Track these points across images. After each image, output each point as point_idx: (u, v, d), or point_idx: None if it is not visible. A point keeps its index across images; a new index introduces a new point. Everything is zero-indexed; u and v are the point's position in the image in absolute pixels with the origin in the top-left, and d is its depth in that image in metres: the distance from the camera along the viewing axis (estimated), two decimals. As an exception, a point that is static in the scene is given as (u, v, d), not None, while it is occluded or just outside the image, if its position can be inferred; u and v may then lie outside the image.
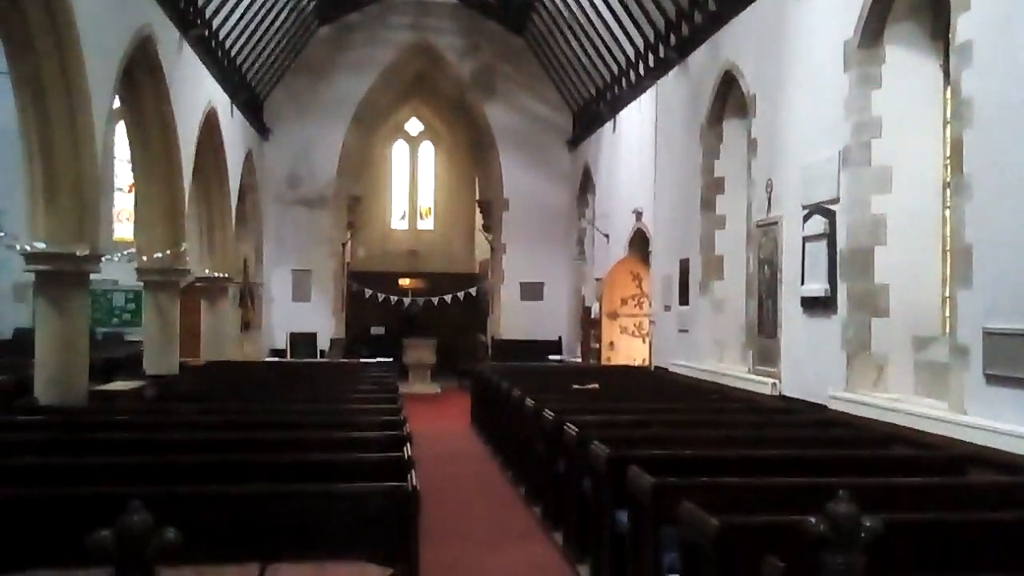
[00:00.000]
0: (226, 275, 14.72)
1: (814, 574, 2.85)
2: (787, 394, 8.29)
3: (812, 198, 7.81)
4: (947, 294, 6.90)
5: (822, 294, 7.53)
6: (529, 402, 8.07)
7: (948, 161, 7.01)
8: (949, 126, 7.01)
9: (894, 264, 7.12)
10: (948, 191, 6.96)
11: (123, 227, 18.44)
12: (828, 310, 7.51)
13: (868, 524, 2.13)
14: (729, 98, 10.35)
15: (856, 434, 6.45)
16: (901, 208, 7.12)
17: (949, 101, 7.05)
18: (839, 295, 7.36)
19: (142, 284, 11.22)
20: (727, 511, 3.69)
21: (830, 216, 7.50)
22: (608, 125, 15.64)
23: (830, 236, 7.47)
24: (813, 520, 2.16)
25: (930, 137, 7.17)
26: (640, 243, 13.81)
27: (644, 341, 13.77)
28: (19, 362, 9.58)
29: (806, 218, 7.87)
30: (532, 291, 19.41)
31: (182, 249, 11.08)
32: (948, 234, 6.98)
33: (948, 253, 6.88)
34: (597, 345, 14.86)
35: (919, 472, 5.19)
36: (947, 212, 7.03)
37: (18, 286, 15.94)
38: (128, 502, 1.98)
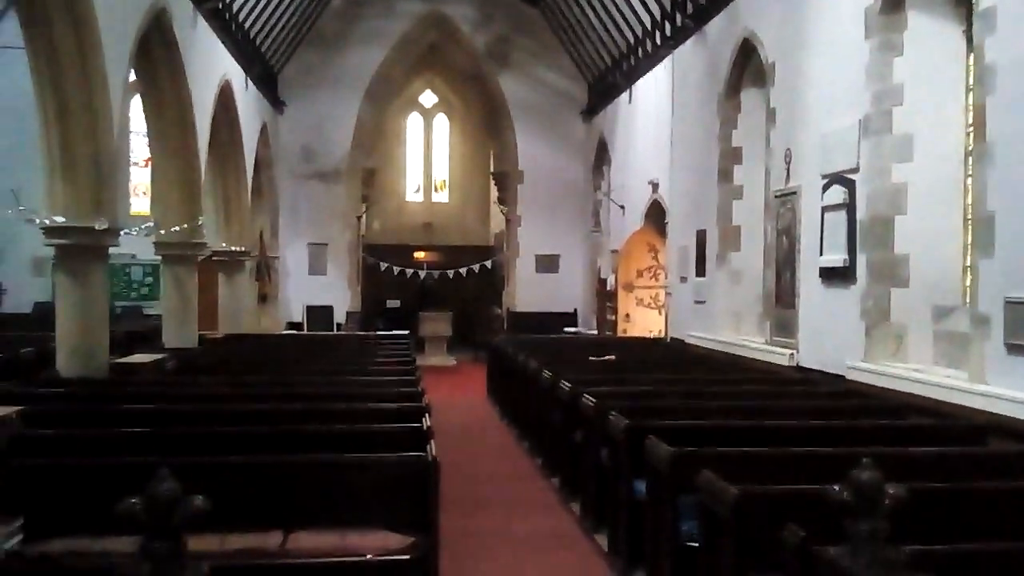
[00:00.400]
0: (243, 249, 14.78)
1: (835, 542, 2.86)
2: (805, 365, 8.27)
3: (831, 167, 7.74)
4: (968, 263, 6.83)
5: (841, 264, 7.48)
6: (546, 374, 8.09)
7: (970, 129, 6.91)
8: (972, 93, 6.90)
9: (914, 233, 7.05)
10: (970, 159, 6.86)
11: (141, 201, 18.51)
12: (847, 280, 7.47)
13: (891, 492, 2.13)
14: (747, 67, 10.23)
15: (874, 404, 6.43)
16: (922, 177, 7.05)
17: (972, 68, 6.93)
18: (858, 265, 7.31)
19: (160, 258, 11.28)
20: (745, 480, 3.70)
21: (850, 185, 7.43)
22: (624, 95, 15.51)
23: (850, 205, 7.41)
24: (836, 487, 2.15)
25: (952, 105, 7.07)
26: (656, 214, 13.74)
27: (660, 313, 13.75)
28: (40, 335, 9.68)
29: (825, 188, 7.80)
30: (547, 263, 19.39)
31: (199, 223, 11.12)
32: (970, 203, 6.89)
33: (969, 222, 6.81)
34: (613, 317, 14.85)
35: (938, 442, 5.18)
36: (969, 180, 6.94)
37: (37, 260, 16.05)
38: (156, 470, 2.00)
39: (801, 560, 2.89)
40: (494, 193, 21.33)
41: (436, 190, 23.38)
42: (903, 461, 4.34)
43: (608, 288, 15.78)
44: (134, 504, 1.94)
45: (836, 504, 2.14)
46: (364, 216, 20.39)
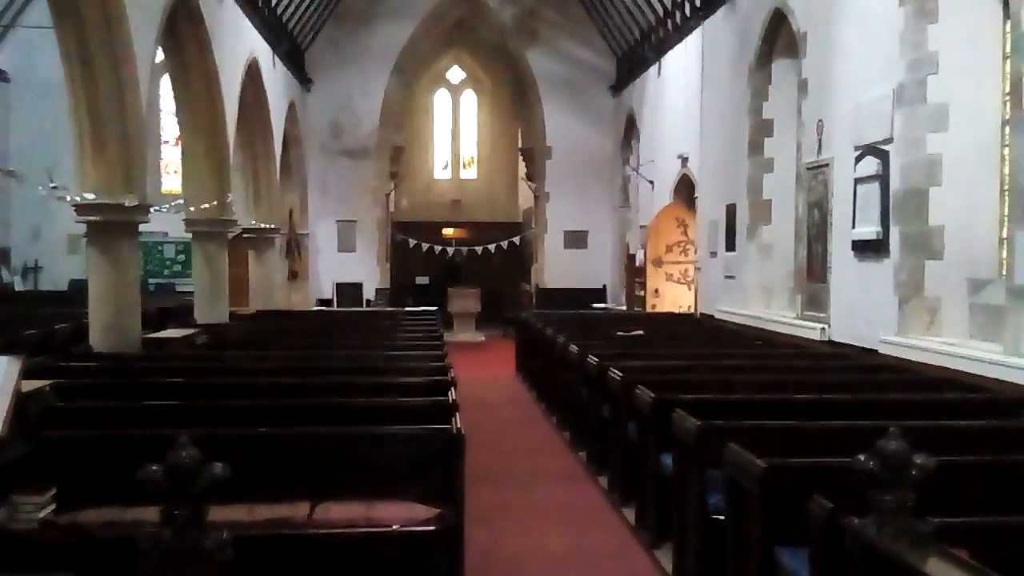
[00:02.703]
0: (272, 226, 14.87)
1: (863, 514, 2.82)
2: (836, 339, 8.16)
3: (865, 138, 7.59)
4: (1004, 235, 6.69)
5: (874, 237, 7.35)
6: (573, 348, 8.06)
7: (1007, 97, 6.74)
8: (1008, 61, 6.73)
9: (949, 205, 6.90)
10: (1007, 128, 6.70)
11: (172, 179, 18.69)
12: (880, 253, 7.34)
13: (919, 462, 2.08)
14: (778, 37, 10.05)
15: (908, 378, 6.33)
16: (957, 147, 6.88)
17: (1009, 35, 6.76)
18: (892, 238, 7.18)
19: (191, 235, 11.38)
20: (773, 454, 3.65)
21: (883, 156, 7.28)
22: (653, 69, 15.33)
23: (883, 177, 7.27)
24: (862, 457, 2.11)
25: (989, 73, 6.88)
26: (685, 189, 13.60)
27: (689, 288, 13.65)
28: (75, 312, 9.83)
29: (858, 159, 7.65)
30: (576, 239, 19.31)
31: (228, 200, 11.19)
32: (1007, 173, 6.74)
33: (1006, 193, 6.65)
34: (642, 292, 14.76)
35: (973, 415, 5.08)
36: (1006, 151, 6.78)
37: (72, 238, 16.28)
38: (177, 439, 2.01)
39: (828, 532, 2.85)
40: (522, 169, 21.24)
41: (464, 167, 23.33)
42: (935, 433, 4.27)
43: (637, 263, 15.69)
44: (155, 471, 1.95)
45: (862, 474, 2.10)
46: (392, 193, 20.41)
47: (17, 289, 16.95)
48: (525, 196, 21.59)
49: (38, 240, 17.27)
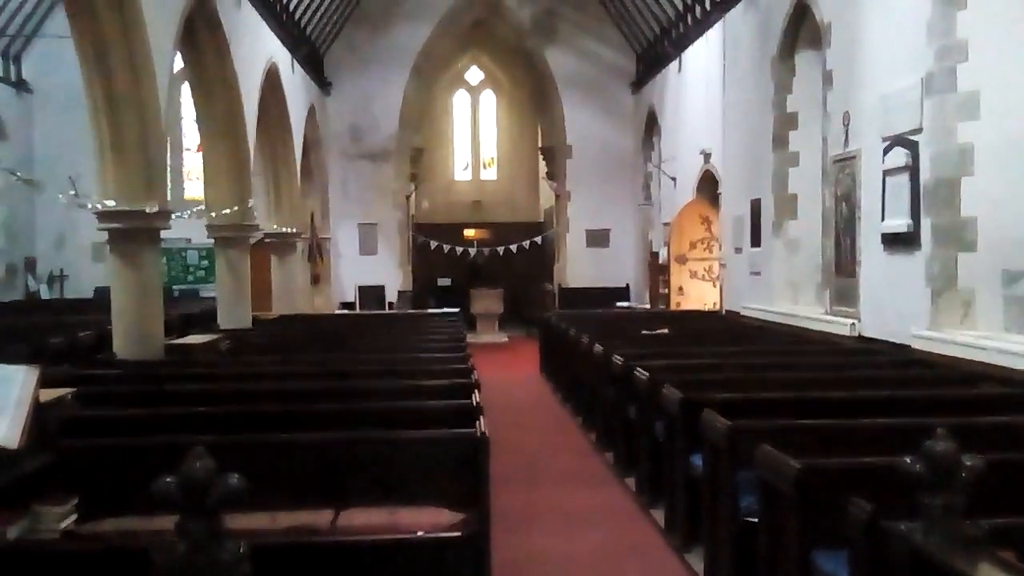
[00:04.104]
0: (294, 230, 14.88)
1: (904, 516, 2.70)
2: (867, 335, 8.00)
3: (893, 129, 7.42)
4: (1040, 225, 6.52)
5: (905, 229, 7.18)
6: (598, 348, 7.96)
7: (1042, 83, 6.57)
8: (1042, 45, 6.56)
9: (982, 195, 6.73)
10: (1042, 115, 6.53)
11: (194, 186, 18.76)
12: (911, 246, 7.17)
13: (968, 463, 1.97)
14: (802, 29, 9.89)
15: (943, 373, 6.17)
16: (989, 136, 6.71)
17: (1042, 19, 6.59)
18: (923, 230, 7.01)
19: (213, 241, 11.39)
20: (806, 454, 3.54)
21: (913, 147, 7.11)
22: (673, 65, 15.17)
23: (913, 168, 7.10)
24: (909, 460, 2.00)
25: (1020, 59, 6.70)
26: (708, 185, 13.45)
27: (714, 285, 13.49)
28: (100, 319, 9.84)
29: (887, 150, 7.49)
30: (598, 238, 19.18)
31: (249, 205, 11.19)
32: (1042, 161, 6.58)
33: (1042, 181, 6.49)
34: (666, 290, 14.62)
35: (1011, 411, 4.93)
36: (1040, 138, 6.61)
37: (96, 246, 16.34)
38: (191, 448, 1.94)
39: (869, 536, 2.74)
40: (543, 169, 21.15)
41: (484, 167, 23.28)
42: (974, 431, 4.12)
43: (660, 261, 15.54)
44: (168, 483, 1.88)
45: (909, 477, 1.99)
46: (413, 195, 20.39)
47: (43, 297, 17.09)
48: (546, 196, 21.50)
49: (63, 248, 17.40)
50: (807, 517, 3.32)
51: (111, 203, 7.45)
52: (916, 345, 7.09)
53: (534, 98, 21.12)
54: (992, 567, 1.85)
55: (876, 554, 2.73)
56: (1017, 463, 3.58)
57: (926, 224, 7.00)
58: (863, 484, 3.16)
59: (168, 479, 1.90)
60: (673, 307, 13.98)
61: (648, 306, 16.18)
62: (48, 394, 4.57)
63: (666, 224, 15.32)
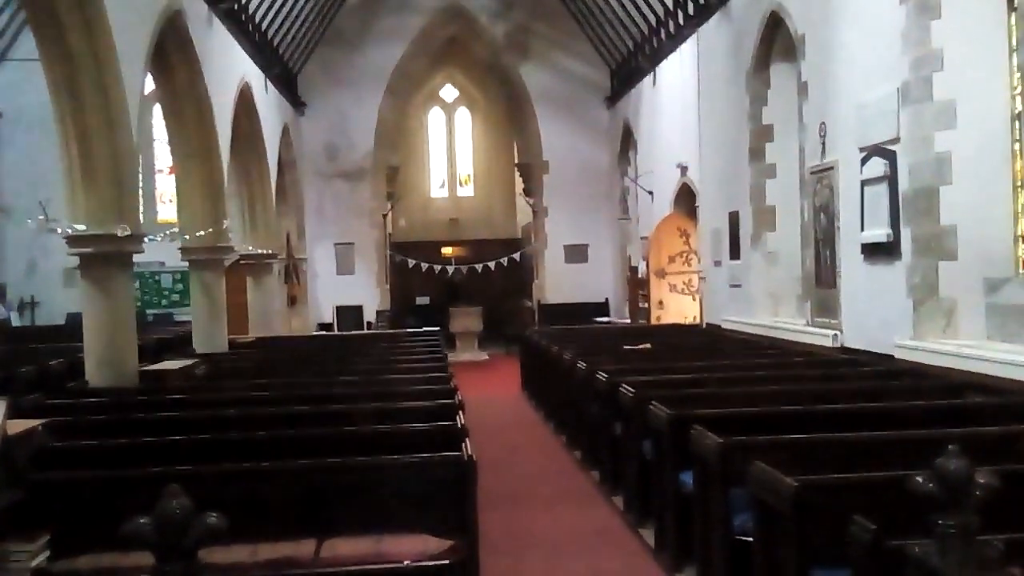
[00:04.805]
0: (270, 251, 14.70)
1: (906, 535, 2.63)
2: (849, 345, 7.98)
3: (870, 139, 7.43)
4: (1020, 231, 6.53)
5: (884, 239, 7.18)
6: (581, 365, 7.88)
7: (1017, 91, 6.61)
8: (1016, 54, 6.61)
9: (961, 203, 6.73)
10: (1017, 123, 6.56)
11: (167, 208, 18.55)
12: (891, 256, 7.17)
13: (982, 481, 1.90)
14: (776, 41, 9.93)
15: (928, 383, 6.15)
16: (967, 144, 6.72)
17: (1014, 28, 6.64)
18: (903, 239, 7.01)
19: (187, 264, 11.21)
20: (800, 470, 3.47)
21: (890, 157, 7.12)
22: (648, 79, 15.21)
23: (891, 178, 7.10)
24: (920, 478, 1.93)
25: (996, 67, 6.74)
26: (686, 198, 13.45)
27: (694, 298, 13.47)
28: (71, 347, 9.63)
29: (864, 160, 7.50)
30: (576, 253, 19.15)
31: (224, 227, 11.02)
32: (1019, 168, 6.60)
33: (1020, 188, 6.50)
34: (646, 305, 14.59)
35: (1001, 420, 4.90)
36: (1016, 145, 6.64)
37: (68, 271, 16.06)
38: (165, 487, 1.83)
39: (872, 556, 2.66)
40: (519, 185, 21.12)
41: (461, 185, 23.21)
42: (972, 443, 4.06)
43: (639, 275, 15.52)
44: (143, 524, 1.77)
45: (921, 496, 1.91)
46: (390, 214, 20.27)
47: (14, 324, 16.75)
48: (523, 212, 21.45)
49: (34, 275, 17.11)
50: (805, 536, 3.25)
51: (81, 227, 7.28)
52: (899, 355, 7.07)
53: (509, 115, 21.11)
54: (1010, 589, 1.78)
55: (880, 575, 2.65)
56: (1017, 475, 3.52)
57: (906, 234, 6.99)
58: (862, 500, 3.09)
59: (142, 520, 1.79)
60: (653, 321, 13.95)
61: (628, 321, 16.14)
62: (17, 426, 4.41)
63: (644, 238, 15.32)
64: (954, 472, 1.87)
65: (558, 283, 19.00)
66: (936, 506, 1.91)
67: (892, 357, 7.15)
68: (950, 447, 1.95)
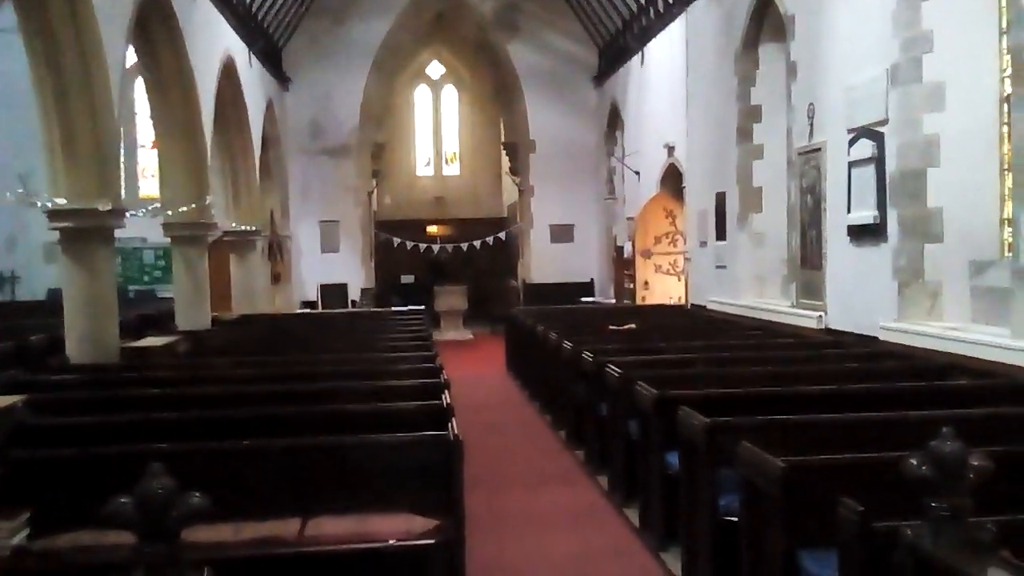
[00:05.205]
0: (253, 228, 14.57)
1: (893, 516, 2.63)
2: (834, 327, 8.00)
3: (858, 120, 7.42)
4: (1006, 215, 6.53)
5: (871, 221, 7.18)
6: (567, 344, 7.86)
7: (1006, 74, 6.59)
8: (1005, 37, 6.58)
9: (948, 186, 6.74)
10: (1006, 106, 6.54)
11: (149, 184, 18.34)
12: (877, 238, 7.17)
13: (976, 464, 1.89)
14: (765, 20, 9.87)
15: (912, 365, 6.17)
16: (955, 126, 6.72)
17: (1006, 9, 6.61)
18: (889, 221, 7.01)
19: (169, 240, 11.08)
20: (786, 450, 3.46)
21: (878, 138, 7.11)
22: (636, 58, 15.12)
23: (878, 160, 7.09)
24: (914, 461, 1.91)
25: (986, 49, 6.72)
26: (673, 179, 13.42)
27: (680, 279, 13.48)
28: (52, 322, 9.50)
29: (852, 142, 7.48)
30: (562, 233, 19.12)
31: (207, 203, 10.90)
32: (1006, 152, 6.59)
33: (1007, 171, 6.50)
34: (631, 285, 14.59)
35: (983, 403, 4.92)
36: (1005, 128, 6.62)
37: (48, 246, 15.87)
38: (148, 465, 1.79)
39: (860, 538, 2.65)
40: (506, 164, 21.03)
41: (447, 163, 23.09)
42: (956, 424, 4.07)
43: (625, 256, 15.50)
44: (124, 504, 1.72)
45: (914, 479, 1.90)
46: (375, 192, 20.14)
47: (-7, 300, 16.56)
48: (509, 191, 21.38)
49: (14, 249, 16.89)
50: (792, 517, 3.24)
51: (62, 201, 7.17)
52: (883, 337, 7.10)
53: (496, 93, 20.98)
54: (1002, 572, 1.77)
55: (868, 556, 2.65)
56: (1006, 456, 3.52)
57: (892, 216, 6.99)
58: (850, 482, 3.08)
59: (124, 499, 1.74)
60: (639, 301, 13.95)
61: (613, 301, 16.14)
62: (-4, 402, 4.35)
63: (630, 219, 15.29)
64: (949, 455, 1.86)
65: (543, 263, 18.97)
66: (929, 489, 1.89)
67: (876, 339, 7.17)
68: (944, 430, 1.94)
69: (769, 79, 10.05)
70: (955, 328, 6.53)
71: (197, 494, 1.78)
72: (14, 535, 3.59)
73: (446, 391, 5.25)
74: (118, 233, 7.90)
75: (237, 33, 13.45)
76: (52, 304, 13.76)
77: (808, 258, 8.54)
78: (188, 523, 1.76)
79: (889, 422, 4.27)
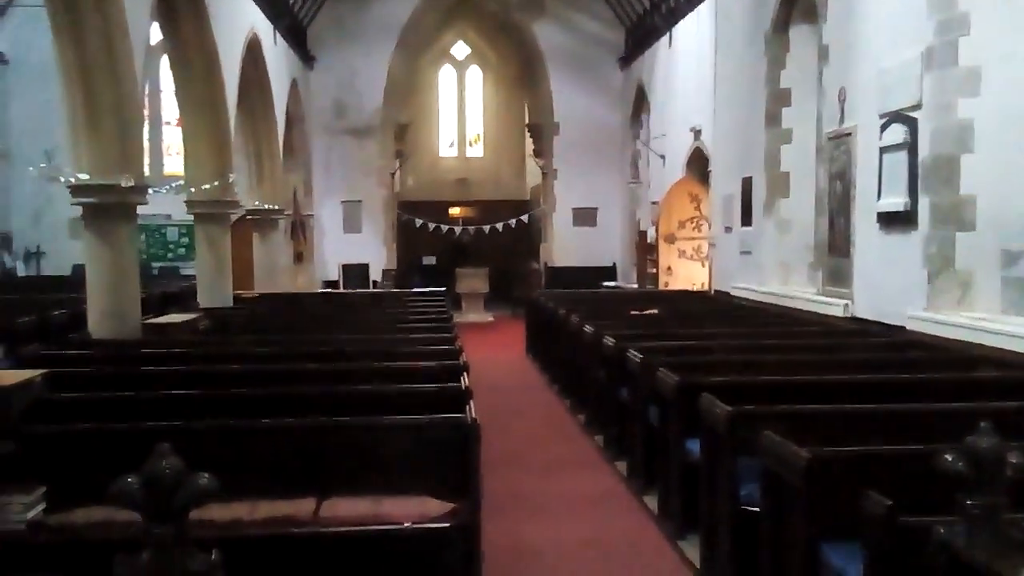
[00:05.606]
0: (276, 207, 14.58)
1: (920, 511, 2.55)
2: (860, 315, 7.86)
3: (891, 105, 7.24)
4: (1042, 204, 6.37)
5: (901, 208, 7.02)
6: (588, 329, 7.79)
7: (1046, 58, 6.40)
8: (1046, 19, 6.39)
9: (982, 173, 6.56)
10: (1045, 91, 6.37)
11: (174, 161, 18.41)
12: (908, 225, 7.02)
13: (1013, 461, 1.80)
14: (796, 2, 9.67)
15: (940, 356, 6.04)
16: (991, 112, 6.53)
17: (1046, -9, 6.41)
18: (920, 209, 6.85)
19: (193, 217, 11.11)
20: (810, 440, 3.38)
21: (911, 124, 6.94)
22: (663, 39, 14.93)
23: (911, 145, 6.93)
24: (949, 456, 1.83)
25: (1022, 32, 6.52)
26: (698, 163, 13.26)
27: (703, 265, 13.34)
28: (76, 298, 9.57)
29: (884, 127, 7.32)
30: (585, 216, 18.99)
31: (230, 180, 10.90)
32: (1044, 139, 6.42)
33: (1044, 159, 6.33)
34: (654, 270, 14.46)
35: (1012, 395, 4.79)
36: (1043, 114, 6.45)
37: (73, 221, 15.97)
38: (156, 445, 1.74)
39: (886, 532, 2.58)
40: (529, 146, 20.89)
41: (470, 144, 22.97)
42: (987, 417, 3.97)
43: (648, 240, 15.37)
44: (131, 484, 1.68)
45: (949, 475, 1.82)
46: (398, 172, 20.09)
47: (20, 274, 16.73)
48: (533, 173, 21.25)
49: (39, 225, 17.03)
50: (815, 509, 3.17)
51: (84, 177, 7.17)
52: (911, 326, 6.96)
53: (521, 74, 20.82)
54: (1038, 574, 1.69)
55: (895, 552, 2.57)
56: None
57: (924, 203, 6.83)
58: (876, 474, 3.01)
59: (130, 478, 1.70)
60: (661, 287, 13.83)
61: (636, 286, 16.03)
62: (15, 376, 4.35)
63: (654, 203, 15.15)
64: (986, 451, 1.77)
65: (566, 246, 18.87)
66: (963, 485, 1.81)
67: (904, 328, 7.03)
68: (982, 424, 1.85)
69: (800, 62, 9.86)
70: (985, 319, 6.38)
71: (205, 475, 1.73)
72: (30, 510, 3.59)
73: (464, 373, 5.20)
74: (143, 210, 7.91)
75: (262, 11, 13.41)
76: (76, 279, 13.88)
77: (836, 245, 8.39)
78: (195, 504, 1.71)
79: (917, 414, 4.16)
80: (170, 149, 18.82)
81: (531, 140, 20.52)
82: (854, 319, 7.96)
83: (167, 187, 9.85)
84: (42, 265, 17.27)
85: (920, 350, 6.36)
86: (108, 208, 7.40)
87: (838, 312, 8.17)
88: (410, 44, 18.66)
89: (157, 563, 1.68)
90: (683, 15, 13.67)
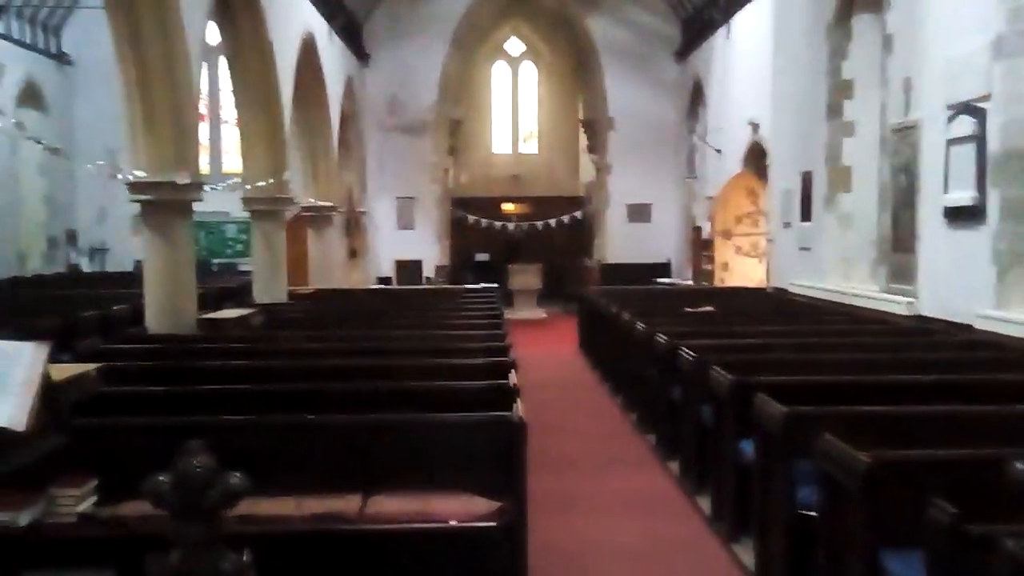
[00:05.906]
0: (331, 204, 14.71)
1: (986, 518, 2.41)
2: (926, 314, 7.59)
3: (958, 96, 6.96)
4: (1120, 198, 6.06)
5: (969, 203, 6.75)
6: (640, 326, 7.66)
7: (1126, 44, 6.08)
8: None
9: (1056, 166, 6.27)
10: (1125, 79, 6.05)
11: (232, 159, 18.71)
12: (976, 220, 6.74)
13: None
14: (859, -10, 9.39)
15: (1009, 356, 5.78)
16: (1066, 101, 6.24)
17: None
18: (989, 203, 6.57)
19: (249, 214, 11.25)
20: (870, 444, 3.24)
21: (980, 115, 6.66)
22: (721, 31, 14.66)
23: (980, 137, 6.65)
24: (1020, 465, 1.70)
25: (1103, 17, 6.22)
26: (756, 157, 12.99)
27: (761, 261, 13.07)
28: (136, 293, 9.75)
29: (951, 118, 7.04)
30: (639, 212, 18.79)
31: (285, 178, 11.02)
32: (1123, 129, 6.10)
33: (1123, 151, 6.02)
34: (710, 266, 14.23)
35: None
36: (1122, 103, 6.13)
37: (136, 218, 16.33)
38: (186, 443, 1.71)
39: (951, 541, 2.44)
40: (583, 142, 20.74)
41: (524, 141, 22.90)
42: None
43: (704, 236, 15.13)
44: (162, 482, 1.65)
45: (1019, 483, 1.69)
46: (451, 169, 20.12)
47: (84, 270, 17.18)
48: (586, 169, 21.10)
49: (104, 221, 17.47)
50: (876, 515, 3.03)
51: (141, 174, 7.29)
52: (979, 325, 6.68)
53: (575, 69, 20.68)
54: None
55: (958, 561, 2.44)
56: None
57: (993, 197, 6.56)
58: (940, 480, 2.86)
59: (162, 477, 1.67)
60: (717, 283, 13.60)
61: (691, 282, 15.80)
62: (71, 370, 4.41)
63: (710, 198, 14.90)
64: (1061, 460, 1.64)
65: (620, 242, 18.70)
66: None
67: (971, 327, 6.76)
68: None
69: (863, 52, 9.56)
70: (1059, 318, 6.10)
71: (237, 474, 1.69)
72: (81, 502, 3.63)
73: (513, 371, 5.14)
74: (203, 207, 8.02)
75: (317, 9, 13.53)
76: (138, 275, 14.19)
77: (900, 240, 8.12)
78: (226, 504, 1.68)
79: (984, 417, 3.97)
80: (229, 148, 19.13)
81: (585, 136, 20.36)
82: (918, 317, 7.69)
83: (222, 184, 9.98)
84: (106, 261, 17.71)
85: (989, 350, 6.10)
86: (164, 205, 7.52)
87: (901, 310, 7.91)
88: (464, 41, 18.66)
89: (187, 562, 1.65)
90: (741, 6, 13.41)
